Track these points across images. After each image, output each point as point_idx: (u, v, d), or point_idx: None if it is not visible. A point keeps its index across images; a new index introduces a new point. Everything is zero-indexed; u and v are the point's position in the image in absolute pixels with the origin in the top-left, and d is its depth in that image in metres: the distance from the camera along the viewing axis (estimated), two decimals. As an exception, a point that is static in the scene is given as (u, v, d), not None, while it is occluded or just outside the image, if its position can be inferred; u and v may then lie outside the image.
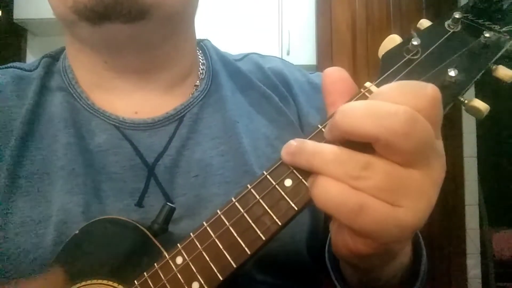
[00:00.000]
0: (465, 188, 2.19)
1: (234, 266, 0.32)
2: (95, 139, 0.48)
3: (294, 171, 0.31)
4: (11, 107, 0.49)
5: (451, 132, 2.16)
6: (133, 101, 0.51)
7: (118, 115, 0.49)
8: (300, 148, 0.30)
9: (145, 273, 0.36)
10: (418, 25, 0.35)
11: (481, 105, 0.30)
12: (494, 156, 2.38)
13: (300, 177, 0.30)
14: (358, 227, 0.27)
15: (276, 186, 0.31)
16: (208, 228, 0.33)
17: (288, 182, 0.31)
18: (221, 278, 0.32)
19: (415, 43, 0.32)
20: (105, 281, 0.38)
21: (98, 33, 0.45)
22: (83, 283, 0.38)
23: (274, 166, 0.32)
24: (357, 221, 0.26)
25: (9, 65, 0.55)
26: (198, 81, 0.55)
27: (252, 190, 0.32)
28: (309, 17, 2.30)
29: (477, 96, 0.31)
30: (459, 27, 0.33)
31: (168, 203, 0.41)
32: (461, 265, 2.15)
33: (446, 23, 0.33)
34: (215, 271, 0.32)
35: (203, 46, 0.60)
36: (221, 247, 0.32)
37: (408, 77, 0.31)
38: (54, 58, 0.55)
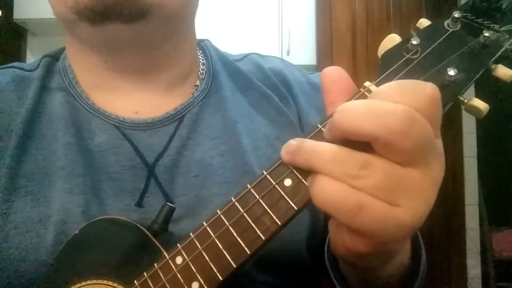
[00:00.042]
0: (465, 188, 2.19)
1: (234, 266, 0.32)
2: (95, 139, 0.48)
3: (294, 170, 0.31)
4: (11, 107, 0.49)
5: (451, 132, 2.16)
6: (133, 101, 0.51)
7: (118, 115, 0.49)
8: (299, 147, 0.30)
9: (145, 273, 0.36)
10: (417, 25, 0.35)
11: (481, 105, 0.30)
12: (494, 156, 2.38)
13: (300, 177, 0.30)
14: (357, 226, 0.27)
15: (276, 186, 0.31)
16: (208, 228, 0.33)
17: (287, 182, 0.31)
18: (221, 278, 0.32)
19: (414, 42, 0.32)
20: (105, 281, 0.38)
21: (98, 33, 0.45)
22: (83, 283, 0.38)
23: (274, 166, 0.32)
24: (355, 220, 0.26)
25: (9, 65, 0.55)
26: (198, 81, 0.55)
27: (251, 190, 0.32)
28: (309, 17, 2.30)
29: (477, 96, 0.31)
30: (459, 26, 0.33)
31: (168, 203, 0.41)
32: (461, 265, 2.15)
33: (445, 23, 0.33)
34: (215, 271, 0.32)
35: (203, 46, 0.60)
36: (221, 247, 0.32)
37: (407, 76, 0.31)
38: (54, 58, 0.55)
